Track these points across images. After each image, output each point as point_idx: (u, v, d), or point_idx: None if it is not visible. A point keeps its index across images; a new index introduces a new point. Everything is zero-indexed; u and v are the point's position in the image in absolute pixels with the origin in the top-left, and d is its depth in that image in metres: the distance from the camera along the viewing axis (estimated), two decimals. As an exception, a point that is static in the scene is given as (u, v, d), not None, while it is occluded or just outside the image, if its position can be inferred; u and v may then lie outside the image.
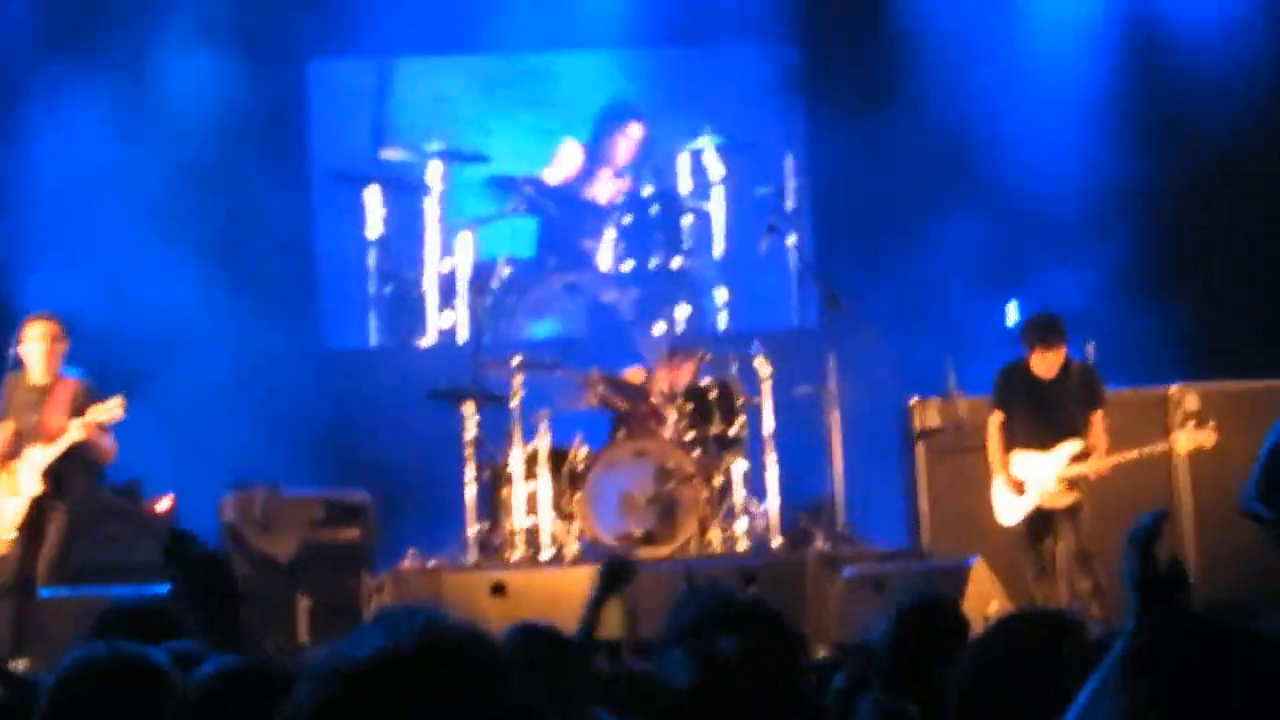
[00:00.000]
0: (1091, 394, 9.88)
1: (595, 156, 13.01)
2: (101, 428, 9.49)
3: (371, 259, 12.63)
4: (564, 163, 13.01)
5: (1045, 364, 9.82)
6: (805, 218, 12.71)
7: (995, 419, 9.96)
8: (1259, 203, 12.39)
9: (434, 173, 12.52)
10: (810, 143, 12.81)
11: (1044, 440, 9.78)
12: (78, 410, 9.48)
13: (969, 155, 12.40)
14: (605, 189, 12.96)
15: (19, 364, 9.66)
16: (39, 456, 9.46)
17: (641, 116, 12.91)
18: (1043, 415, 9.80)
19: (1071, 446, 9.71)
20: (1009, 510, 9.87)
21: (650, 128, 12.92)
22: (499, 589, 9.40)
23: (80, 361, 9.86)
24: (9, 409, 9.60)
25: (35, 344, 9.58)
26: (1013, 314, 12.23)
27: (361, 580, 10.16)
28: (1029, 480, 9.79)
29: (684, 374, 10.87)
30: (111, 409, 9.45)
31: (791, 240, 11.66)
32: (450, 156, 12.55)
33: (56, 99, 11.77)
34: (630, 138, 12.94)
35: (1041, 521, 9.79)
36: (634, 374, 11.10)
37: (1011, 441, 9.89)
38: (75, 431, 9.42)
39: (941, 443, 10.70)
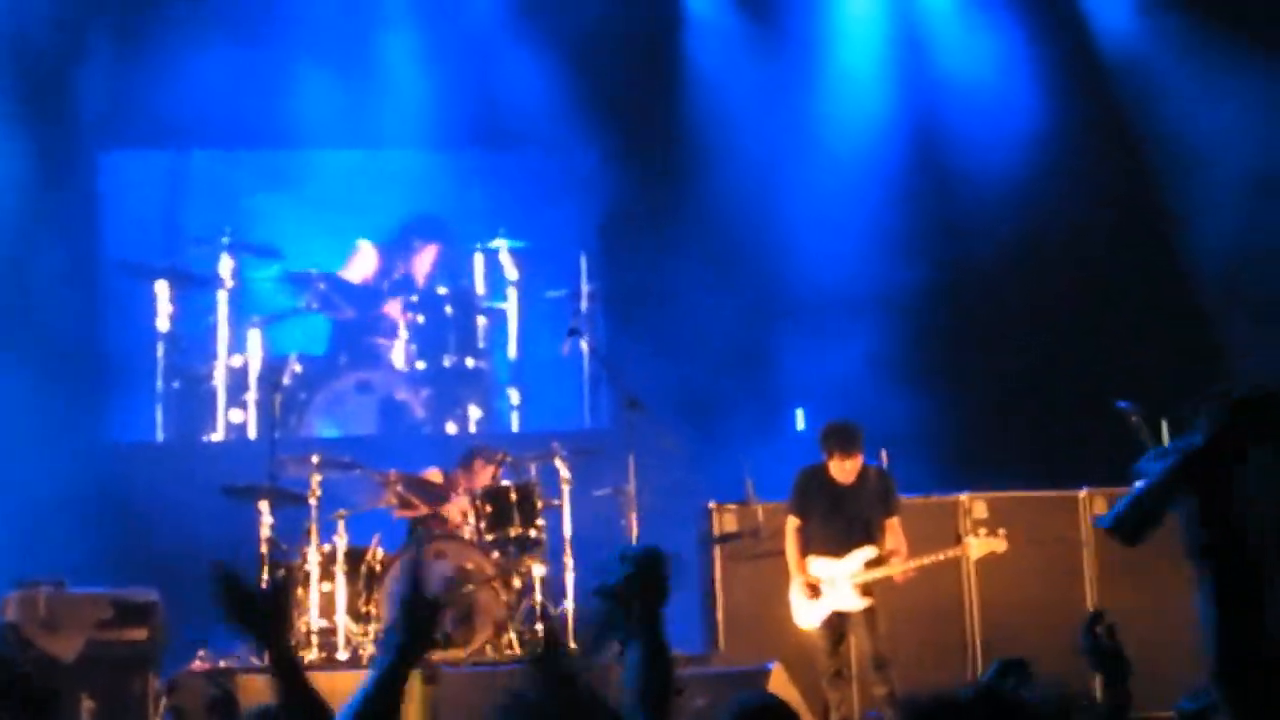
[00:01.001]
0: (887, 499, 10.06)
1: (391, 260, 12.96)
2: None
3: (160, 352, 12.40)
4: (359, 263, 12.94)
5: (843, 470, 9.98)
6: (599, 319, 12.80)
7: (792, 523, 10.07)
8: (1037, 316, 12.83)
9: (225, 266, 12.36)
10: (604, 245, 12.93)
11: (841, 545, 9.91)
12: None
13: (760, 258, 12.65)
14: (397, 302, 12.88)
15: None
16: None
17: (437, 233, 12.92)
18: (840, 520, 9.94)
19: (867, 551, 9.87)
20: (806, 614, 9.97)
21: (447, 233, 12.93)
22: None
23: None
24: None
25: None
26: (800, 421, 12.45)
27: (148, 681, 9.87)
28: (825, 584, 9.91)
29: (484, 476, 10.80)
30: None
31: (584, 343, 11.72)
32: (242, 250, 12.41)
33: None
34: (425, 258, 12.95)
35: (838, 625, 9.90)
36: (432, 475, 11.01)
37: (808, 545, 10.01)
38: None
39: (739, 547, 10.80)
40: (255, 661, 9.99)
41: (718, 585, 10.86)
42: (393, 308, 12.78)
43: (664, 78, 13.05)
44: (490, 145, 13.10)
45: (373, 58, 12.65)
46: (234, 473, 10.85)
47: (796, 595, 10.00)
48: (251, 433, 12.23)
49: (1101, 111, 13.05)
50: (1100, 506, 10.78)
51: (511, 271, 12.74)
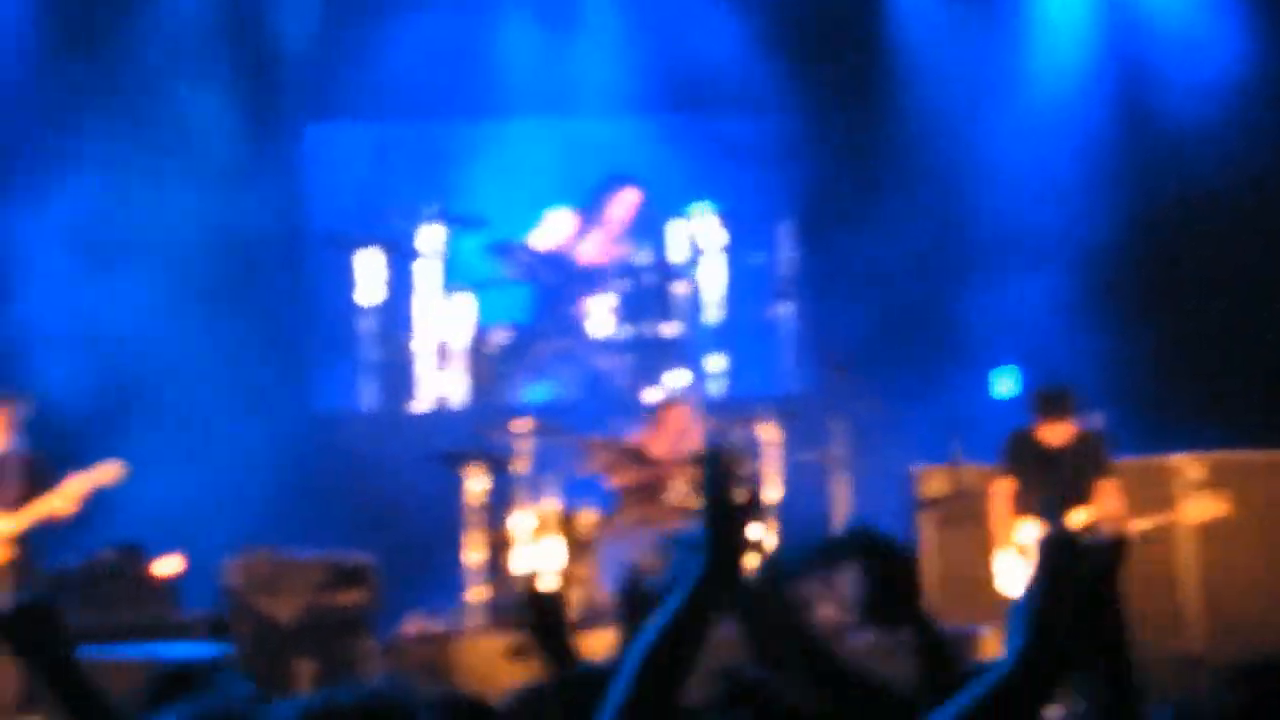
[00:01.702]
0: (1100, 462, 9.89)
1: (589, 221, 13.00)
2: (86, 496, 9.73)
3: (364, 323, 12.56)
4: (556, 229, 12.99)
5: (1054, 433, 9.84)
6: (801, 284, 12.73)
7: (1003, 487, 9.95)
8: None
9: (430, 237, 12.48)
10: (806, 209, 12.84)
11: (1053, 509, 9.76)
12: (37, 482, 9.76)
13: (962, 218, 12.51)
14: (598, 254, 12.94)
15: None
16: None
17: (637, 183, 12.92)
18: (1052, 483, 9.80)
19: (1081, 515, 9.71)
20: (1016, 580, 9.84)
21: (647, 194, 12.93)
22: (519, 652, 9.26)
23: (80, 423, 10.08)
24: None
25: None
26: (1005, 384, 12.27)
27: (363, 644, 10.03)
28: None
29: (677, 426, 10.82)
30: (109, 474, 9.70)
31: (788, 308, 11.68)
32: (447, 220, 12.52)
33: (63, 157, 11.76)
34: (625, 203, 12.94)
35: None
36: (635, 439, 11.04)
37: (1018, 510, 9.88)
38: (62, 500, 9.66)
39: (948, 511, 10.68)
40: (468, 625, 10.15)
41: (925, 549, 10.75)
42: (593, 273, 12.81)
43: (865, 37, 12.94)
44: (691, 110, 13.09)
45: (574, 21, 12.73)
46: (440, 441, 10.98)
47: (1007, 561, 9.88)
48: (457, 401, 12.34)
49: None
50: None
51: (712, 237, 12.70)
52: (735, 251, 12.75)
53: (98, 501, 9.90)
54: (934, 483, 10.78)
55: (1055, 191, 12.59)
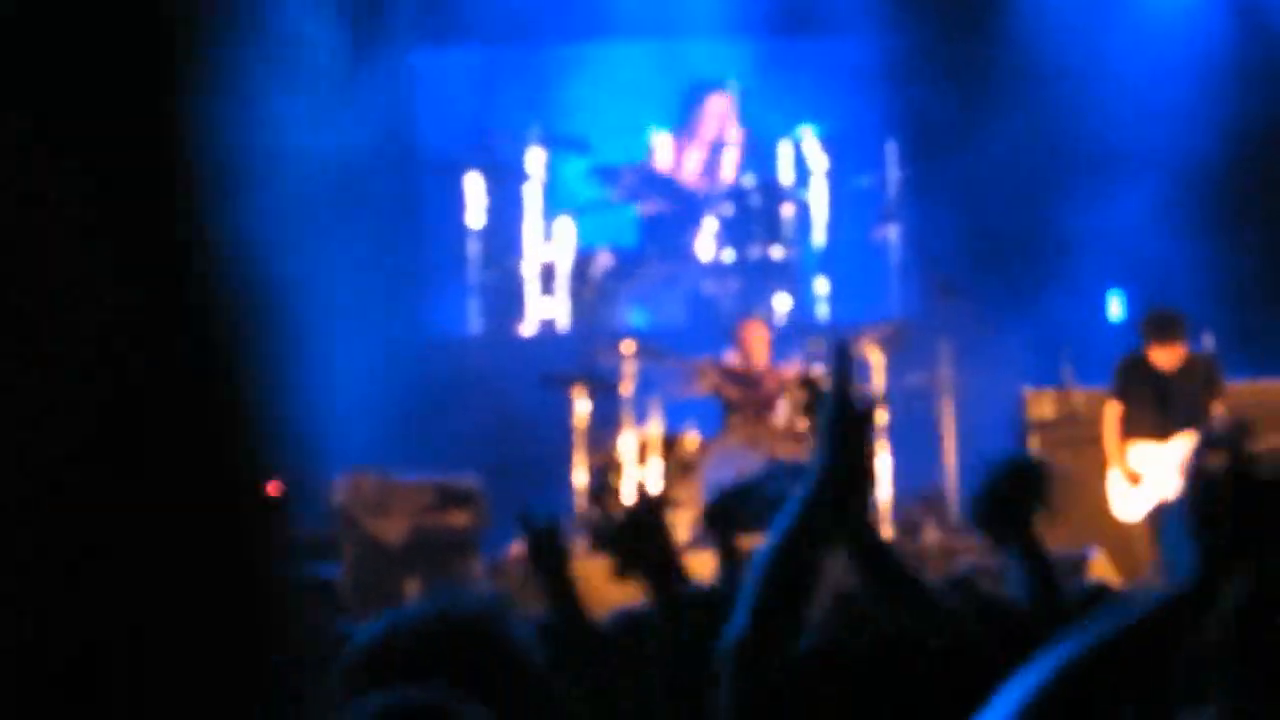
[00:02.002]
0: (1213, 385, 9.78)
1: (684, 135, 12.96)
2: None
3: (472, 246, 12.61)
4: (660, 152, 12.96)
5: (1165, 357, 9.73)
6: (909, 206, 12.62)
7: (1113, 410, 9.86)
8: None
9: (534, 160, 12.49)
10: (912, 131, 12.71)
11: (1164, 432, 9.68)
12: None
13: (1077, 141, 12.33)
14: (700, 172, 12.90)
15: None
16: None
17: (724, 87, 12.84)
18: (1163, 408, 9.70)
19: (1194, 437, 9.60)
20: (1128, 504, 9.76)
21: (742, 103, 12.86)
22: (624, 573, 9.31)
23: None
24: None
25: None
26: (1116, 307, 12.13)
27: (471, 565, 10.12)
28: (1149, 472, 9.68)
29: (758, 344, 10.85)
30: None
31: (894, 231, 11.59)
32: (551, 143, 12.52)
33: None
34: (715, 111, 12.87)
35: (1161, 515, 9.67)
36: (741, 359, 11.04)
37: (1128, 433, 9.79)
38: None
39: (1057, 434, 10.59)
40: (576, 546, 10.21)
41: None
42: (698, 198, 12.77)
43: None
44: (793, 32, 12.98)
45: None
46: (546, 363, 11.03)
47: (1117, 485, 9.80)
48: (562, 324, 12.37)
49: None
50: None
51: (817, 160, 12.61)
52: (840, 174, 12.65)
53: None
54: (1043, 406, 10.69)
55: (1165, 106, 12.37)
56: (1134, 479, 9.72)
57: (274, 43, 11.98)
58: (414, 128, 12.91)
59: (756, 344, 10.95)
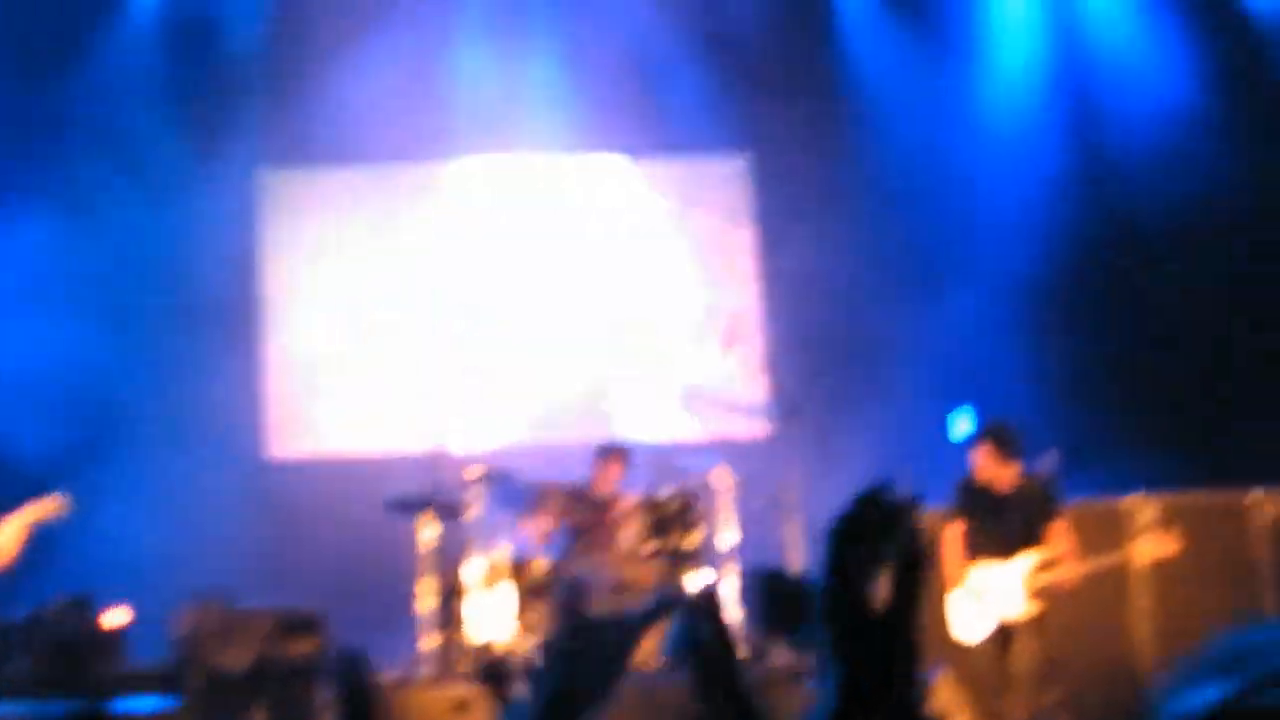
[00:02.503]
0: (1050, 504, 9.86)
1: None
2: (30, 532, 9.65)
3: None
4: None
5: (1003, 475, 9.80)
6: (763, 325, 12.74)
7: (954, 530, 9.90)
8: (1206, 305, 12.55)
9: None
10: (764, 252, 12.85)
11: (1004, 551, 9.73)
12: None
13: (914, 248, 12.55)
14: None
15: None
16: None
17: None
18: (1002, 526, 9.76)
19: (1035, 555, 9.67)
20: (969, 623, 9.79)
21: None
22: (462, 707, 9.22)
23: (31, 468, 10.04)
24: None
25: None
26: (962, 425, 12.26)
27: (315, 693, 9.97)
28: (990, 592, 9.73)
29: (614, 475, 10.84)
30: (50, 508, 9.65)
31: (742, 352, 11.66)
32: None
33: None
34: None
35: (1006, 633, 9.72)
36: (586, 485, 11.01)
37: (970, 553, 9.84)
38: (3, 537, 9.61)
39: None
40: (420, 675, 10.09)
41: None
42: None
43: (819, 77, 12.98)
44: (644, 153, 13.08)
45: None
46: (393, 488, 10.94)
47: (959, 605, 9.83)
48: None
49: (1257, 90, 12.78)
50: (1274, 508, 10.52)
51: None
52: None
53: (46, 549, 9.78)
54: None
55: (1006, 226, 12.62)
56: (976, 599, 9.75)
57: (118, 167, 11.90)
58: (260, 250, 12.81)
59: (611, 474, 10.91)
